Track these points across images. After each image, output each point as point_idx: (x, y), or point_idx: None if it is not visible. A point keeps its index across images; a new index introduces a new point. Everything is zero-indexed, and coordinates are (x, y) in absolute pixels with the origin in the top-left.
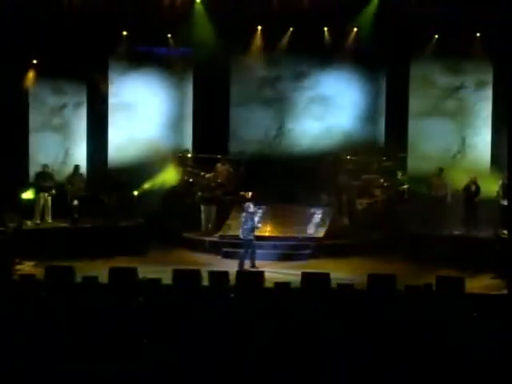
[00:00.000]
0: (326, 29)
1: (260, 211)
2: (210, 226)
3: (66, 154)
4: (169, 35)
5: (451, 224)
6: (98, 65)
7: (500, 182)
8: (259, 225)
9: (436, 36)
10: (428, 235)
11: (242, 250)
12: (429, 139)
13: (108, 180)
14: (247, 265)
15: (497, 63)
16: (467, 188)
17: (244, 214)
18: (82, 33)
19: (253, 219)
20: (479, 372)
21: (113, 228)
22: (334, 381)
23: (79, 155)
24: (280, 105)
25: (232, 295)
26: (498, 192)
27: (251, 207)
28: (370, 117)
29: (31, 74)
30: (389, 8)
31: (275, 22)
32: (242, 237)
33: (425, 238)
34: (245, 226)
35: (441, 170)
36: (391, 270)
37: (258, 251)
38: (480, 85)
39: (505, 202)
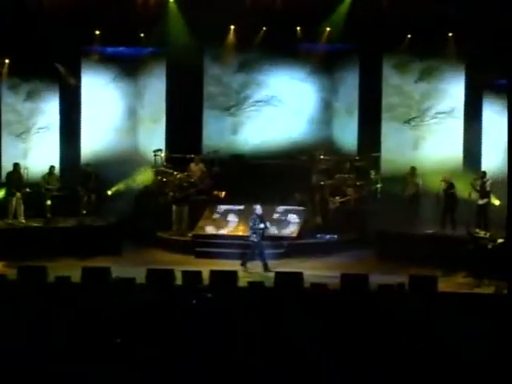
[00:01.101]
0: (298, 28)
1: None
2: (182, 225)
3: (36, 153)
4: (142, 34)
5: (425, 223)
6: (70, 64)
7: (478, 182)
8: (266, 225)
9: (409, 36)
10: (401, 234)
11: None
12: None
13: (88, 179)
14: (260, 267)
15: (469, 62)
16: (442, 187)
17: (251, 216)
18: (54, 31)
19: (255, 221)
20: (454, 369)
21: (86, 228)
22: (313, 379)
23: (51, 154)
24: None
25: (209, 295)
26: (470, 192)
27: (258, 209)
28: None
29: (3, 74)
30: (361, 7)
31: (248, 22)
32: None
33: (398, 236)
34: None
35: (413, 168)
36: (364, 269)
37: (231, 251)
38: (452, 84)
39: (481, 202)
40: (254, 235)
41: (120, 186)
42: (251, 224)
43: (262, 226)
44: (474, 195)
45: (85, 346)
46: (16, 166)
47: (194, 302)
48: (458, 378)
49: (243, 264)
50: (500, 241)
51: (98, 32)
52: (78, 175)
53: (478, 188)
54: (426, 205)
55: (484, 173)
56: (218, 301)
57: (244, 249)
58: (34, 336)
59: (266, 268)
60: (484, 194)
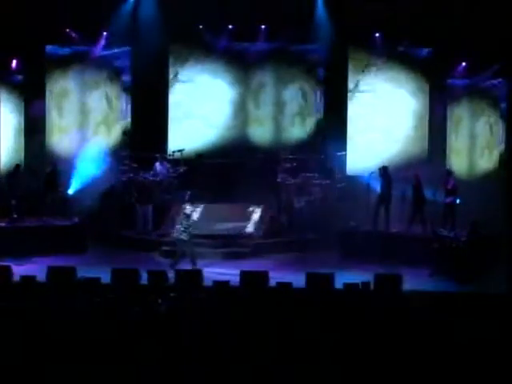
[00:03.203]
0: (263, 27)
1: (199, 209)
2: (146, 225)
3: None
4: (104, 33)
5: (390, 222)
6: (35, 62)
7: (443, 181)
8: (195, 219)
9: (377, 34)
10: (366, 233)
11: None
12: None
13: (53, 178)
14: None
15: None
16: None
17: (181, 215)
18: (19, 29)
19: (183, 219)
20: (418, 366)
21: (52, 227)
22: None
23: (15, 153)
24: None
25: (172, 294)
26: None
27: (188, 208)
28: None
29: None
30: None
31: (216, 20)
32: (174, 236)
33: (363, 235)
34: (177, 226)
35: (385, 168)
36: (330, 268)
37: (197, 250)
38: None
39: (447, 200)
40: (184, 234)
41: (84, 185)
42: (184, 223)
43: (191, 221)
44: (441, 194)
45: (51, 346)
46: None
47: (160, 301)
48: (422, 375)
49: (193, 264)
50: (464, 239)
51: (64, 30)
52: (43, 174)
53: (443, 187)
54: (393, 204)
55: (449, 171)
56: (183, 300)
57: (210, 248)
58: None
59: (194, 263)
60: (449, 192)
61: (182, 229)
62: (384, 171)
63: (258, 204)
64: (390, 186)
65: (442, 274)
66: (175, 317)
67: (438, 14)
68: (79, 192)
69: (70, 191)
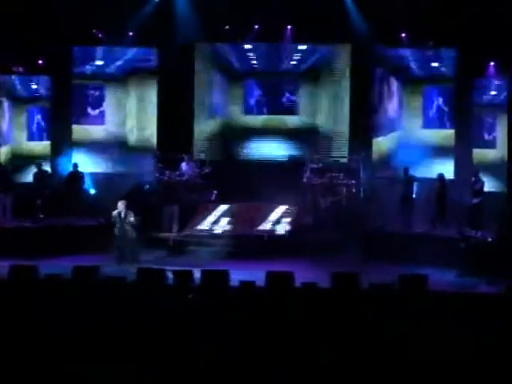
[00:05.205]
0: (289, 27)
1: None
2: (172, 225)
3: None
4: (130, 33)
5: (416, 222)
6: (63, 61)
7: (472, 179)
8: (131, 219)
9: (403, 34)
10: (392, 233)
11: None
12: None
13: (74, 179)
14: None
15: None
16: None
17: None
18: (47, 29)
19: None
20: (442, 368)
21: (77, 227)
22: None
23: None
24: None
25: (190, 295)
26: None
27: (120, 204)
28: None
29: None
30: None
31: (241, 20)
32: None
33: (389, 236)
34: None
35: (406, 169)
36: (355, 268)
37: (223, 250)
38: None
39: (474, 201)
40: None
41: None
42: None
43: (132, 219)
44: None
45: (68, 346)
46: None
47: (190, 296)
48: (448, 378)
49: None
50: (490, 240)
51: (92, 30)
52: (68, 174)
53: (470, 187)
54: (419, 204)
55: (476, 171)
56: (210, 300)
57: (235, 247)
58: (25, 335)
59: (134, 261)
60: (476, 193)
61: (126, 224)
62: (406, 172)
63: (283, 204)
64: (411, 187)
65: (469, 275)
66: (200, 316)
67: (463, 14)
68: (104, 192)
69: (92, 191)
